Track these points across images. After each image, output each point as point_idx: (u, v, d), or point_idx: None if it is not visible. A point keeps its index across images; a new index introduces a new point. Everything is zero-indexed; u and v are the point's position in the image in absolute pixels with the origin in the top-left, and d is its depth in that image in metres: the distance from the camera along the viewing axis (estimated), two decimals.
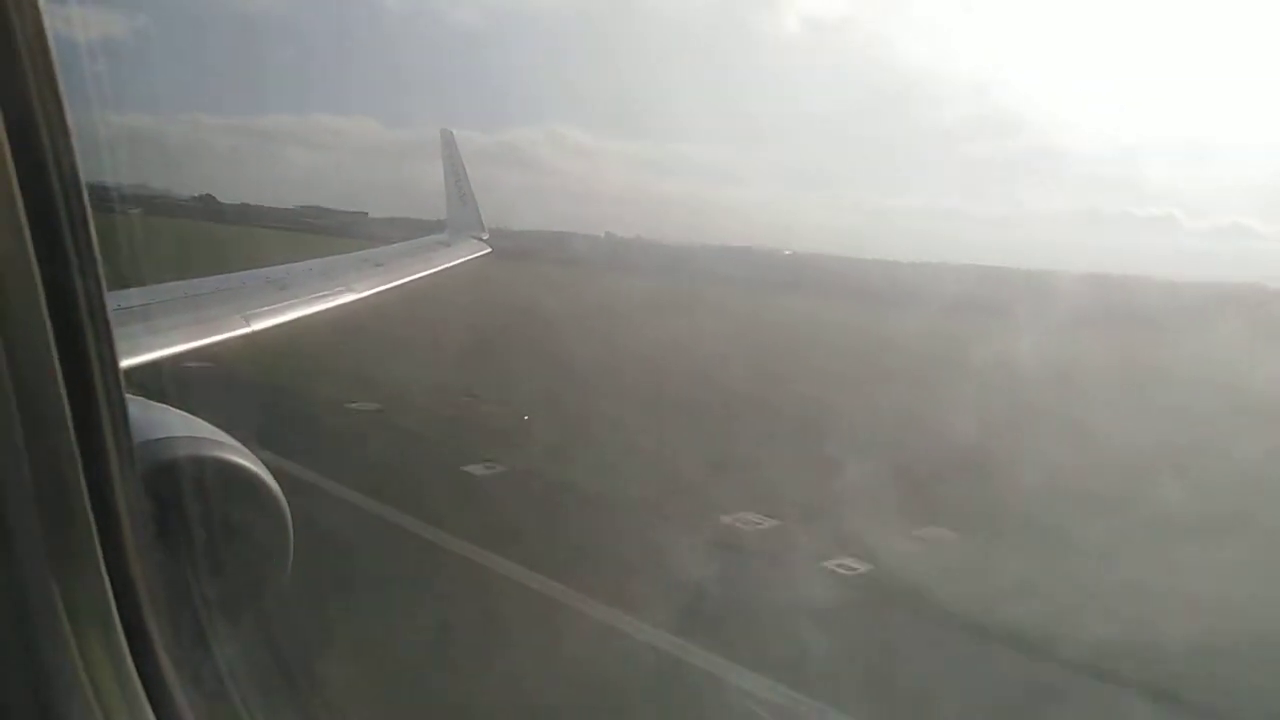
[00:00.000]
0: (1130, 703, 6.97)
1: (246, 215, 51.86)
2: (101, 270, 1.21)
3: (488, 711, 6.18)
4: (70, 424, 1.14)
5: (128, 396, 1.32)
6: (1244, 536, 9.85)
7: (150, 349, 4.11)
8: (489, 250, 13.33)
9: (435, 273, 10.56)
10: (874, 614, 8.32)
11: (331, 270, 8.44)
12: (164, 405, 2.17)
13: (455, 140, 15.27)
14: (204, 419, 2.12)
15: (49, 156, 1.11)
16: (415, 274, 9.77)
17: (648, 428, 13.80)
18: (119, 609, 1.22)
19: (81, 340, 1.17)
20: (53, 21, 1.09)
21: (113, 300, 1.28)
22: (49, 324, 1.10)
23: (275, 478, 2.13)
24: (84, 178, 1.17)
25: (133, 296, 4.43)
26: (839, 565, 9.15)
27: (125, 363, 2.34)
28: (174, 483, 1.77)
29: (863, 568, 9.11)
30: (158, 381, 3.55)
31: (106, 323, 1.21)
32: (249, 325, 5.74)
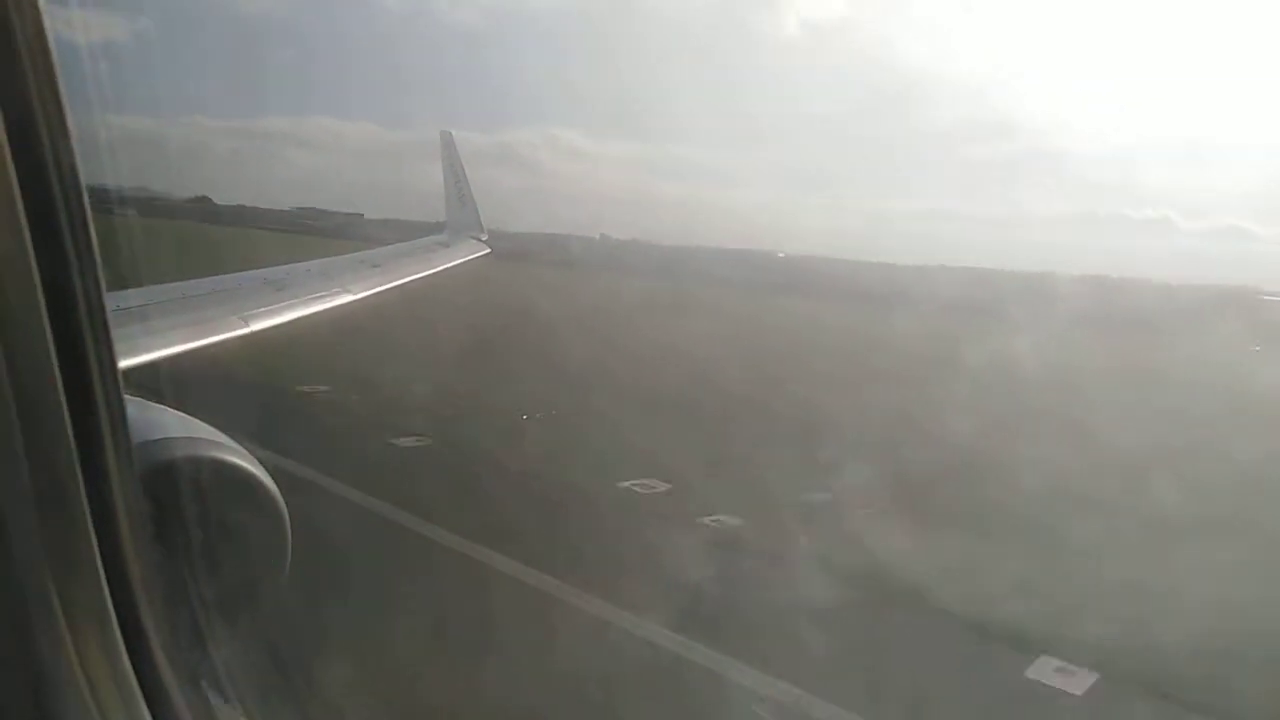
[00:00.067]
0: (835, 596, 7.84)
1: (243, 217, 51.98)
2: (101, 271, 1.21)
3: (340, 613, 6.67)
4: (69, 424, 1.14)
5: (126, 397, 1.32)
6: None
7: (149, 350, 4.11)
8: (488, 251, 13.35)
9: (435, 273, 10.57)
10: (724, 556, 9.23)
11: (330, 271, 8.45)
12: (162, 406, 2.17)
13: (454, 141, 15.30)
14: (202, 420, 2.13)
15: (49, 158, 1.11)
16: (415, 274, 9.78)
17: (592, 412, 14.66)
18: (116, 609, 1.22)
19: (80, 341, 1.17)
20: (53, 23, 1.10)
21: (111, 301, 1.29)
22: (48, 325, 1.10)
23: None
24: (84, 179, 1.17)
25: (131, 297, 4.44)
26: (712, 520, 10.23)
27: (124, 363, 2.34)
28: (172, 483, 1.78)
29: (735, 522, 10.20)
30: (155, 382, 3.55)
31: (105, 323, 1.22)
32: (247, 326, 5.74)
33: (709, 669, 6.86)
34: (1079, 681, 6.91)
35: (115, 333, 1.26)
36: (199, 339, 5.06)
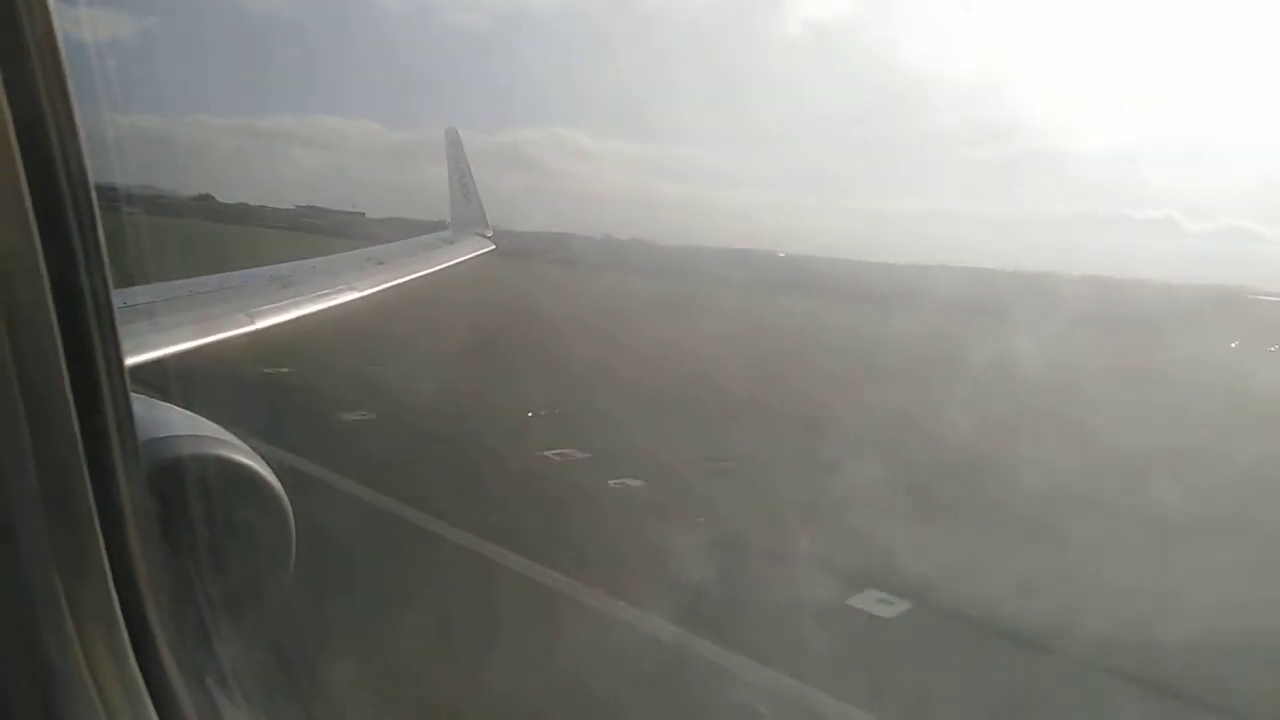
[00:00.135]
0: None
1: (246, 215, 52.15)
2: (108, 268, 1.21)
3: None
4: (75, 422, 1.14)
5: (133, 395, 1.32)
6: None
7: (156, 347, 4.11)
8: (493, 247, 13.34)
9: (440, 270, 10.56)
10: (615, 510, 10.59)
11: (335, 268, 8.45)
12: (168, 404, 2.17)
13: (459, 139, 15.30)
14: (208, 417, 2.13)
15: (57, 155, 1.11)
16: (420, 271, 9.77)
17: (550, 396, 15.66)
18: (122, 607, 1.22)
19: (87, 338, 1.17)
20: (62, 23, 1.10)
21: (118, 298, 1.29)
22: (55, 321, 1.10)
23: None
24: (91, 177, 1.17)
25: (138, 294, 4.45)
26: (618, 483, 11.40)
27: (130, 360, 2.34)
28: (178, 481, 1.78)
29: (636, 483, 11.42)
30: (161, 379, 3.56)
31: (113, 321, 1.22)
32: (253, 323, 5.75)
33: (568, 595, 8.06)
34: (893, 609, 8.20)
35: (122, 330, 1.26)
36: (206, 336, 5.07)
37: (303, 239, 35.73)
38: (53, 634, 1.12)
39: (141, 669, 1.25)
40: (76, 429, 1.14)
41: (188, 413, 2.08)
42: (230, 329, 5.52)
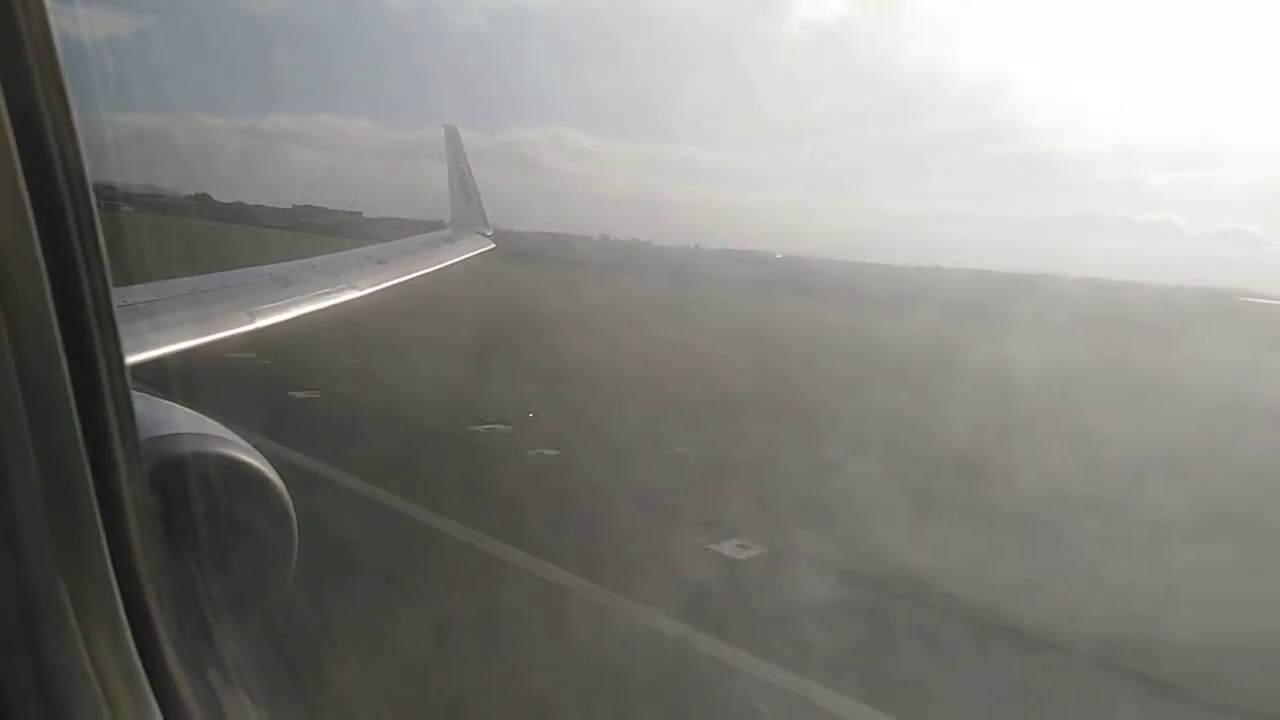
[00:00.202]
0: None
1: (243, 215, 52.07)
2: (108, 267, 1.21)
3: None
4: (77, 421, 1.14)
5: (134, 393, 1.32)
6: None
7: (157, 345, 4.11)
8: (493, 246, 13.33)
9: (440, 269, 10.54)
10: (526, 475, 11.61)
11: (335, 267, 8.43)
12: (170, 402, 2.17)
13: (459, 137, 15.27)
14: (211, 416, 2.13)
15: (55, 154, 1.11)
16: (420, 270, 9.76)
17: (500, 377, 16.55)
18: (125, 605, 1.22)
19: (88, 337, 1.17)
20: (58, 21, 1.10)
21: (117, 297, 1.29)
22: (55, 321, 1.10)
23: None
24: (90, 176, 1.17)
25: (137, 293, 4.44)
26: (536, 453, 12.47)
27: (132, 359, 2.34)
28: (180, 479, 1.78)
29: (551, 453, 12.55)
30: (163, 378, 3.56)
31: (113, 319, 1.22)
32: (254, 322, 5.75)
33: (473, 545, 8.88)
34: (748, 553, 9.25)
35: (123, 329, 1.26)
36: (207, 335, 5.07)
37: (300, 238, 35.93)
38: (55, 631, 1.13)
39: (144, 665, 1.25)
40: (78, 427, 1.14)
41: (190, 411, 2.09)
42: (231, 328, 5.52)
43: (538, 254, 42.89)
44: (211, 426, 2.05)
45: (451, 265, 11.08)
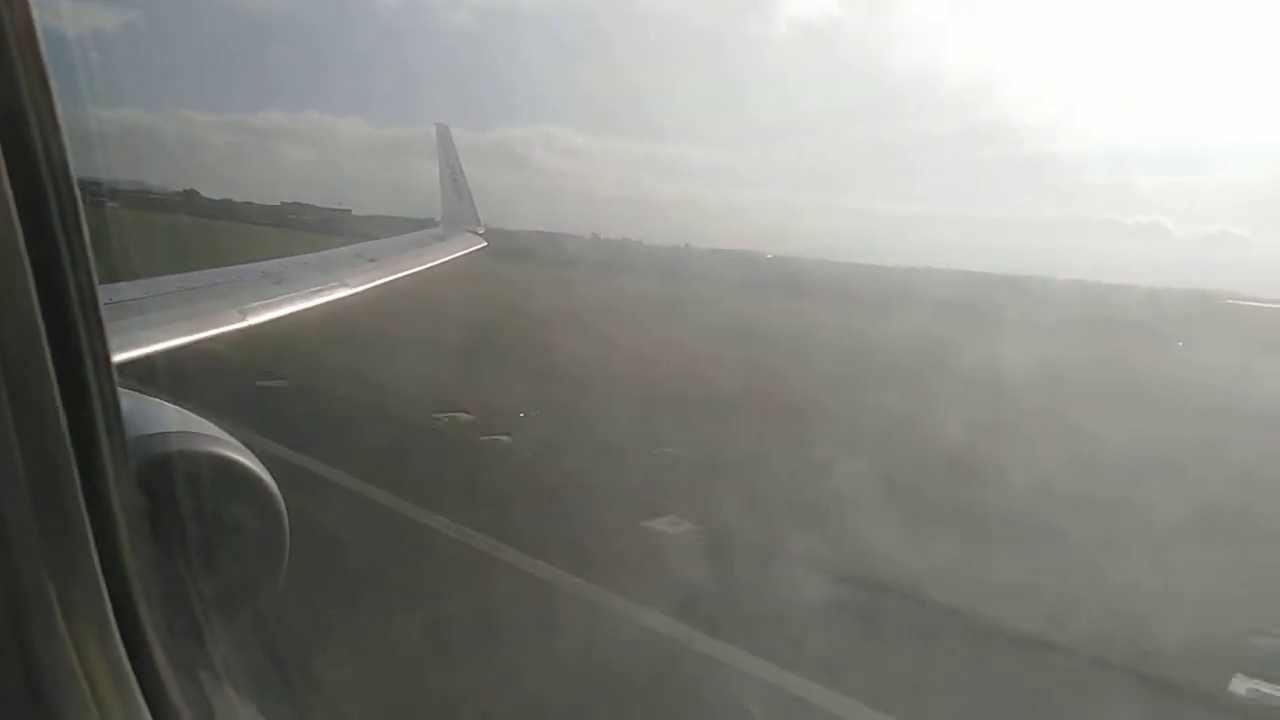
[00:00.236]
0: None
1: (231, 212, 51.71)
2: (93, 263, 1.20)
3: None
4: (63, 419, 1.13)
5: (121, 391, 1.31)
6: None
7: (145, 343, 4.09)
8: (485, 244, 13.31)
9: (432, 266, 10.53)
10: (479, 458, 12.05)
11: (326, 264, 8.41)
12: (158, 400, 2.16)
13: (450, 134, 15.23)
14: (199, 413, 2.12)
15: (39, 150, 1.11)
16: (412, 268, 9.75)
17: (483, 373, 16.69)
18: (113, 605, 1.22)
19: (74, 334, 1.17)
20: (43, 15, 1.09)
21: (104, 294, 1.28)
22: (40, 318, 1.10)
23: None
24: (74, 172, 1.16)
25: (124, 290, 4.42)
26: (486, 438, 12.95)
27: (119, 357, 2.33)
28: (168, 478, 1.77)
29: (505, 439, 13.00)
30: (151, 375, 3.54)
31: (99, 316, 1.21)
32: (245, 319, 5.72)
33: (419, 521, 9.19)
34: (680, 529, 9.62)
35: (110, 326, 1.25)
36: (196, 332, 5.04)
37: (288, 235, 35.77)
38: (43, 632, 1.12)
39: (133, 666, 1.24)
40: (64, 426, 1.13)
41: (177, 408, 2.07)
42: (222, 325, 5.49)
43: (529, 253, 43.03)
44: (200, 424, 2.04)
45: (443, 263, 11.06)
